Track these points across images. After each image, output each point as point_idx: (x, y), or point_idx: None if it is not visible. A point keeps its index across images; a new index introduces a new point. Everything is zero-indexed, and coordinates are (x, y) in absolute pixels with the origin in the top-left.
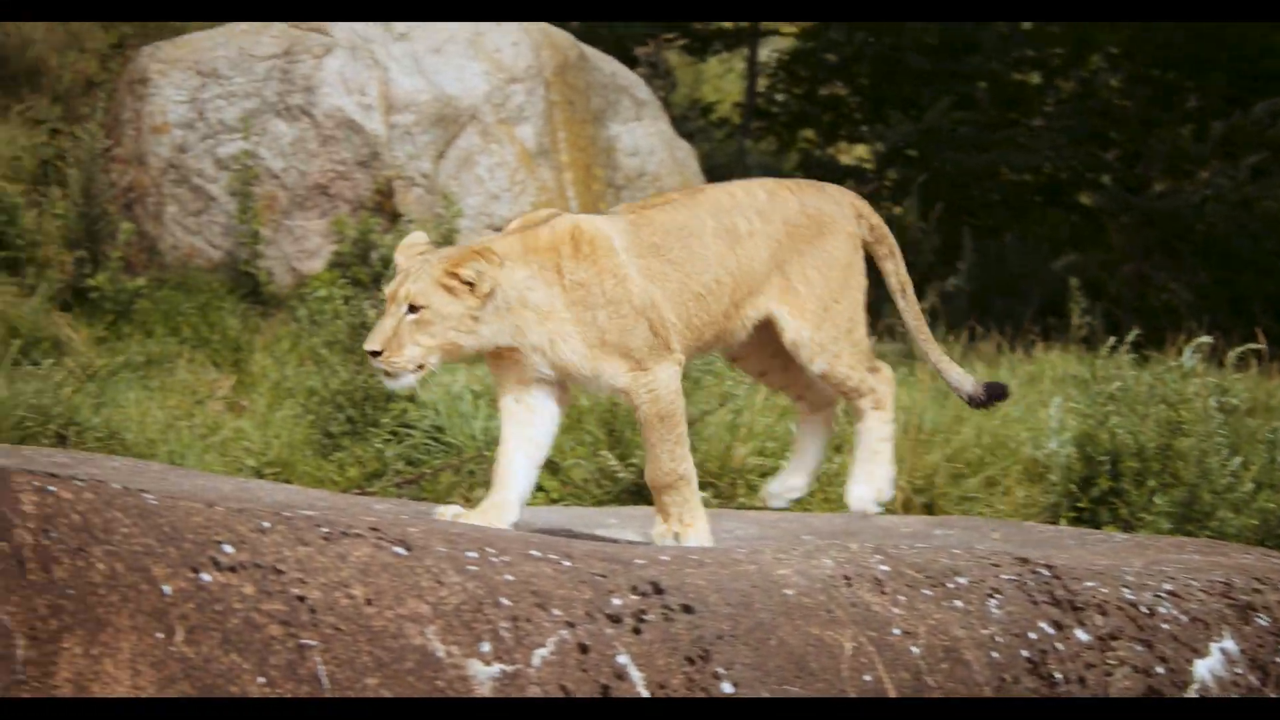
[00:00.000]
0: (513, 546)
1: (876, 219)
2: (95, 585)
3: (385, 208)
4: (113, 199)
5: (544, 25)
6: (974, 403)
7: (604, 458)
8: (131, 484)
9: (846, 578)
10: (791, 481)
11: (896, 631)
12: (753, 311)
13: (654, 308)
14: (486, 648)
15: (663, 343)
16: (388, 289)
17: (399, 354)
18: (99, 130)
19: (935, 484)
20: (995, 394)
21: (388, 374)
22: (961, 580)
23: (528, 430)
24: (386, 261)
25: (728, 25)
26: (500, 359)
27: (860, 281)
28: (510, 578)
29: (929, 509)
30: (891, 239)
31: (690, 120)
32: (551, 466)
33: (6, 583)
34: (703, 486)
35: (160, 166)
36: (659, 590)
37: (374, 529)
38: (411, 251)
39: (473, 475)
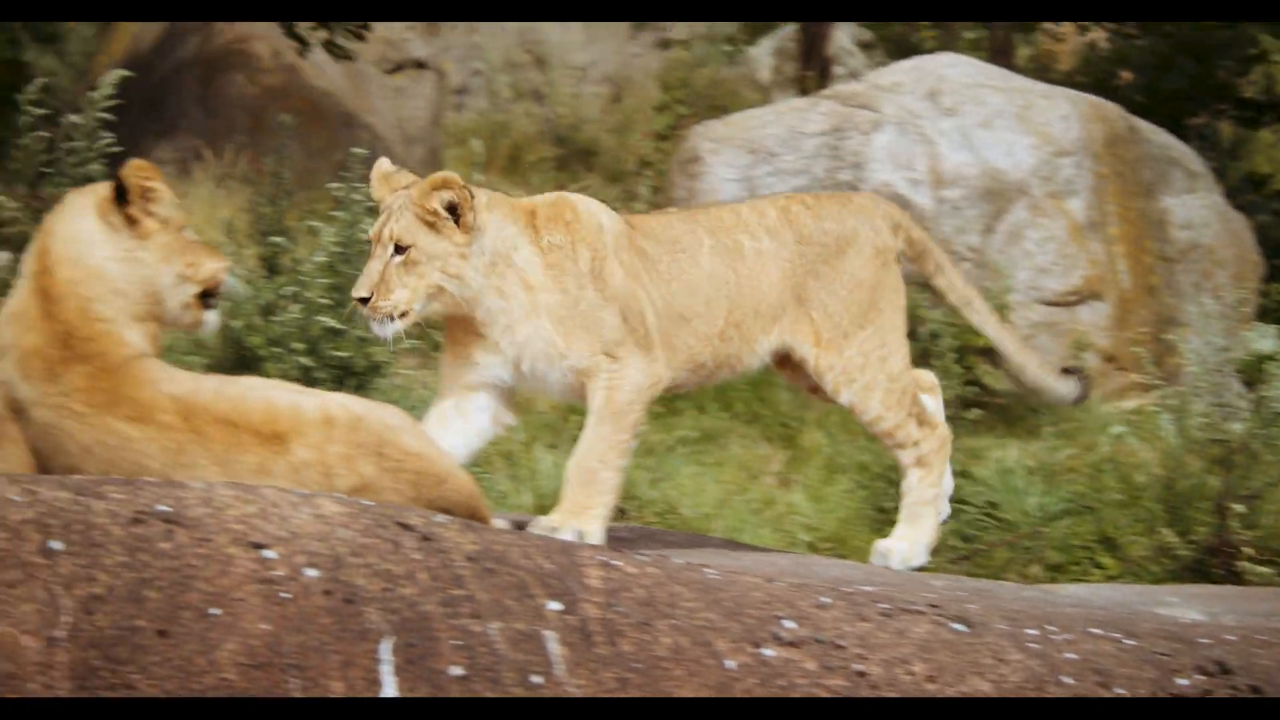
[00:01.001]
0: (1074, 624)
1: (918, 232)
2: (660, 659)
3: None
4: None
5: (1092, 98)
6: (1080, 400)
7: (1163, 534)
8: (691, 558)
9: None
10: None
11: None
12: (764, 338)
13: (633, 299)
14: None
15: (640, 339)
16: (371, 230)
17: (387, 298)
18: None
19: None
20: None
21: (375, 320)
22: None
23: (459, 439)
24: (934, 335)
25: None
26: (457, 347)
27: (895, 303)
28: (1072, 656)
29: None
30: (938, 252)
31: (1244, 193)
32: (1109, 543)
33: (575, 655)
34: (1267, 564)
35: None
36: (1226, 670)
37: (933, 605)
38: (392, 184)
39: (1028, 551)
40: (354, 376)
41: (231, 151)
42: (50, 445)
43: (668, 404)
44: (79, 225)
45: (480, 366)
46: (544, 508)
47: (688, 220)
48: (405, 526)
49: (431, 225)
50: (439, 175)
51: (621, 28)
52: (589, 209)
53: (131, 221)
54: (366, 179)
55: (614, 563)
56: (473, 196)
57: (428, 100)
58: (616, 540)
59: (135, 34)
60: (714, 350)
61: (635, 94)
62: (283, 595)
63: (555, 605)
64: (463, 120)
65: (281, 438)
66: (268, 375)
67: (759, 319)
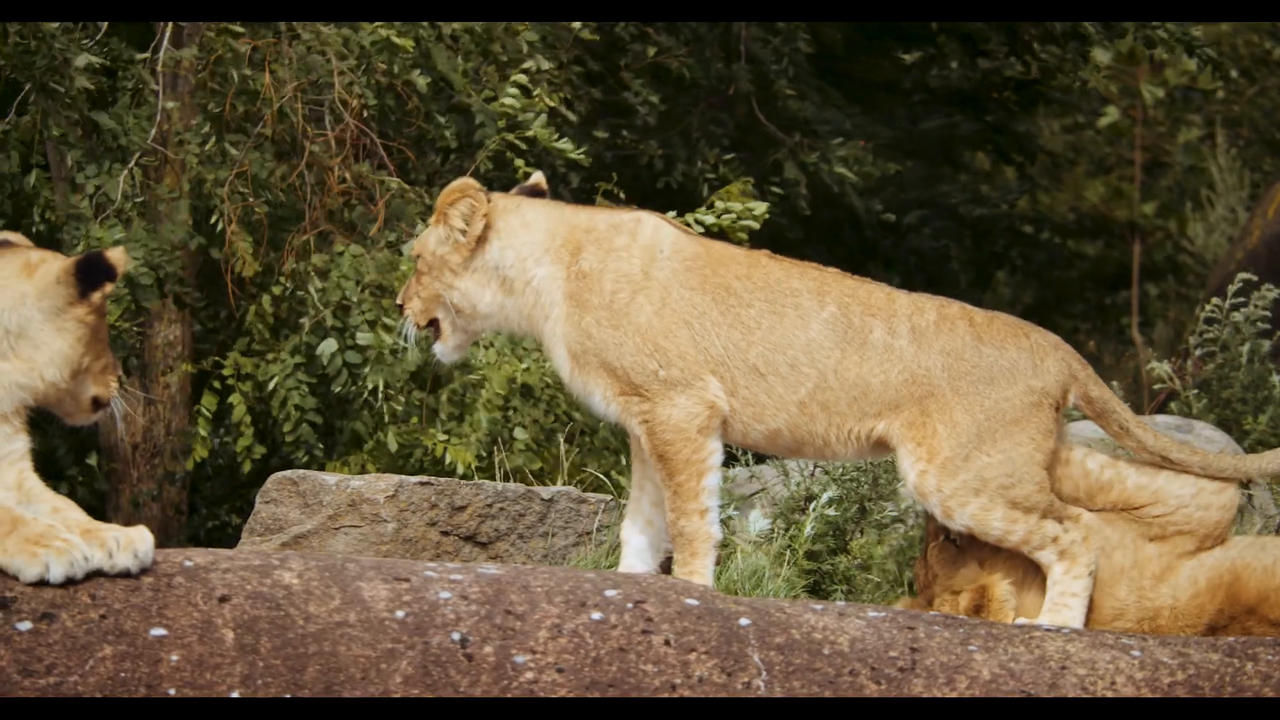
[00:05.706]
0: None
1: (1098, 390)
2: None
3: None
4: None
5: None
6: None
7: None
8: None
9: None
10: None
11: None
12: (860, 429)
13: (666, 338)
14: None
15: (678, 377)
16: None
17: (408, 306)
18: None
19: None
20: None
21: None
22: None
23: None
24: None
25: None
26: None
27: (1035, 442)
28: None
29: None
30: (1122, 411)
31: None
32: None
33: None
34: None
35: None
36: None
37: None
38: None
39: None
40: None
41: None
42: None
43: None
44: None
45: None
46: None
47: (826, 282)
48: None
49: (442, 237)
50: (460, 184)
51: None
52: (653, 238)
53: None
54: None
55: None
56: (486, 203)
57: None
58: None
59: None
60: (789, 419)
61: None
62: None
63: None
64: None
65: None
66: None
67: (854, 409)
